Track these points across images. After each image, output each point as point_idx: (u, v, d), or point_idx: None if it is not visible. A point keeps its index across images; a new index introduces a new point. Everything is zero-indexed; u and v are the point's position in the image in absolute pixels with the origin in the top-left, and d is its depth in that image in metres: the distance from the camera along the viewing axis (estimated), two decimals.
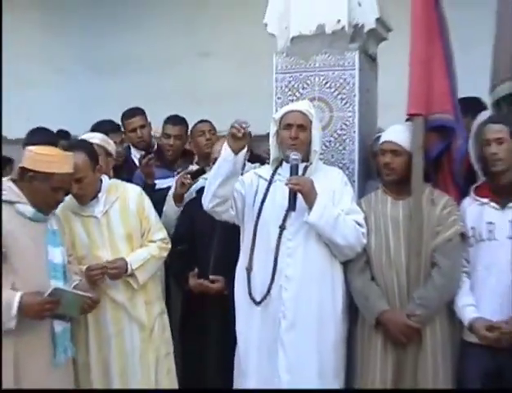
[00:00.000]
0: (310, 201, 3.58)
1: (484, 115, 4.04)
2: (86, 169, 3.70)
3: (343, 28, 4.00)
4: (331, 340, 3.68)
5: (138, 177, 4.58)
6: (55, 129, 5.09)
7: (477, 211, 3.63)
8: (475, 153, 3.68)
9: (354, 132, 3.99)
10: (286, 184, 3.58)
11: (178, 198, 4.37)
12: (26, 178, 3.38)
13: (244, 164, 3.84)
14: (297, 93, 4.07)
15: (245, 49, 6.06)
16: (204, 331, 4.13)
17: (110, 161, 4.19)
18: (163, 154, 4.97)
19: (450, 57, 3.81)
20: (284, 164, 3.77)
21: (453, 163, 3.79)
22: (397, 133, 3.74)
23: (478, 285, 3.59)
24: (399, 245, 3.64)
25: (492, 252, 3.55)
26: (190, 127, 5.01)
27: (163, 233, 3.96)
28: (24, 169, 3.39)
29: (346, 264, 3.73)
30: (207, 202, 3.72)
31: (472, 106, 4.31)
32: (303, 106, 3.78)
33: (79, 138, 4.12)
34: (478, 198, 3.65)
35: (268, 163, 3.91)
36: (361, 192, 3.97)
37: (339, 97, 4.01)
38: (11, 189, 3.39)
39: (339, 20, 4.00)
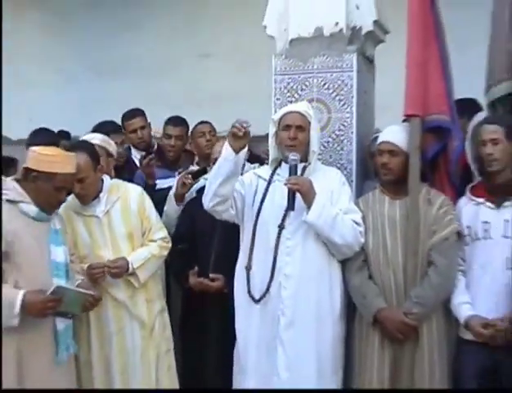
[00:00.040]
0: (309, 201, 3.61)
1: (480, 116, 4.07)
2: (88, 170, 3.73)
3: (341, 30, 4.02)
4: (329, 337, 3.71)
5: (139, 177, 4.60)
6: (56, 130, 5.12)
7: (472, 211, 3.66)
8: (472, 153, 3.71)
9: (352, 132, 4.01)
10: (285, 184, 3.61)
11: (179, 198, 4.40)
12: (30, 178, 3.41)
13: (244, 165, 3.85)
14: (295, 95, 4.09)
15: (245, 51, 6.06)
16: (203, 328, 4.15)
17: (111, 161, 4.22)
18: (164, 154, 4.99)
19: (446, 59, 3.84)
20: (283, 164, 3.80)
21: (449, 163, 3.82)
22: (394, 133, 3.76)
23: (473, 283, 3.62)
24: (396, 244, 3.67)
25: (488, 251, 3.59)
26: (190, 128, 5.03)
27: (163, 232, 3.99)
28: (27, 169, 3.42)
29: (344, 263, 3.76)
30: (207, 201, 3.74)
31: (468, 107, 4.36)
32: (302, 107, 3.81)
33: (80, 139, 4.15)
34: (473, 198, 3.68)
35: (267, 163, 3.94)
36: (359, 192, 4.00)
37: (337, 98, 4.03)
38: (15, 189, 3.42)
39: (337, 23, 4.02)
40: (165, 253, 3.99)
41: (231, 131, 3.61)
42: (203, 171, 4.43)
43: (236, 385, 3.87)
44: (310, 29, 4.06)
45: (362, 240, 3.71)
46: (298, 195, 3.61)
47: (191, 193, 4.41)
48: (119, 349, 3.83)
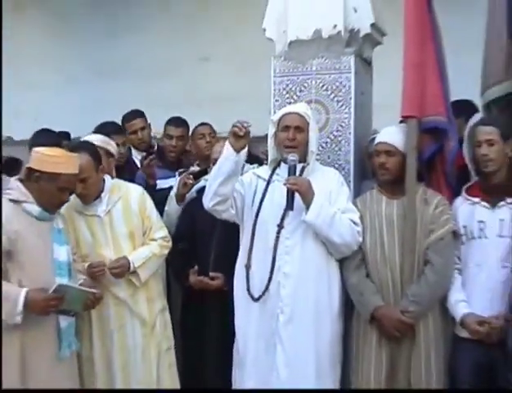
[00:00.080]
0: (307, 201, 3.64)
1: (477, 118, 4.09)
2: (90, 170, 3.76)
3: (339, 33, 4.05)
4: (328, 335, 3.74)
5: (140, 177, 4.62)
6: (56, 131, 5.14)
7: (468, 210, 3.70)
8: (468, 154, 3.74)
9: (350, 133, 4.04)
10: (284, 184, 3.64)
11: (180, 198, 4.42)
12: (33, 178, 3.44)
13: (243, 165, 3.87)
14: (294, 96, 4.12)
15: (244, 53, 6.08)
16: (203, 326, 4.18)
17: (112, 161, 4.24)
18: (164, 155, 5.03)
19: (442, 61, 3.87)
20: (282, 164, 3.82)
21: (445, 164, 3.85)
22: (390, 134, 3.80)
23: (469, 281, 3.65)
24: (393, 243, 3.70)
25: (483, 250, 3.62)
26: (190, 129, 5.06)
27: (164, 232, 4.01)
28: (31, 170, 3.45)
29: (342, 262, 3.78)
30: (208, 201, 3.77)
31: (464, 108, 4.40)
32: (301, 108, 3.84)
33: (81, 140, 4.17)
34: (469, 198, 3.72)
35: (266, 163, 3.96)
36: (357, 192, 4.03)
37: (335, 99, 4.06)
38: (18, 188, 3.46)
39: (335, 26, 4.05)
40: (166, 252, 4.02)
41: (232, 130, 3.64)
42: (204, 172, 4.45)
43: (235, 381, 3.90)
44: (309, 31, 4.09)
45: (360, 239, 3.74)
46: (297, 195, 3.64)
47: (192, 193, 4.43)
48: (120, 346, 3.86)
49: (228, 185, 3.71)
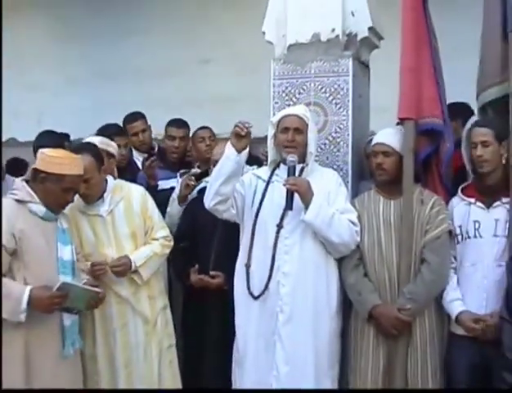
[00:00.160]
0: (306, 201, 3.67)
1: (474, 120, 4.10)
2: (92, 170, 3.80)
3: (337, 36, 4.08)
4: (326, 332, 3.77)
5: (142, 178, 4.66)
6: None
7: (464, 210, 3.73)
8: (466, 155, 3.77)
9: (348, 135, 4.07)
10: (284, 185, 3.67)
11: (182, 199, 4.46)
12: (38, 179, 3.48)
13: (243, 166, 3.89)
14: (293, 98, 4.14)
15: (244, 56, 6.09)
16: (204, 325, 4.21)
17: (113, 162, 4.26)
18: (165, 156, 5.06)
19: (438, 65, 3.91)
20: (281, 165, 3.86)
21: (441, 165, 3.89)
22: (387, 135, 3.83)
23: (464, 280, 3.69)
24: (390, 242, 3.74)
25: (478, 249, 3.65)
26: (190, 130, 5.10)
27: (165, 231, 4.04)
28: (36, 171, 3.49)
29: (340, 261, 3.81)
30: (209, 200, 3.79)
31: (460, 110, 4.42)
32: (300, 110, 3.87)
33: (83, 141, 4.19)
34: (465, 198, 3.75)
35: (266, 164, 4.00)
36: (355, 192, 4.05)
37: (334, 101, 4.09)
38: (24, 189, 3.50)
39: (333, 29, 4.08)
40: (167, 251, 4.05)
41: (234, 131, 3.67)
42: (205, 173, 4.47)
43: (235, 380, 3.92)
44: (307, 35, 4.12)
45: (358, 238, 3.77)
46: (296, 195, 3.67)
47: (193, 193, 4.46)
48: (122, 344, 3.89)
49: (229, 185, 3.74)
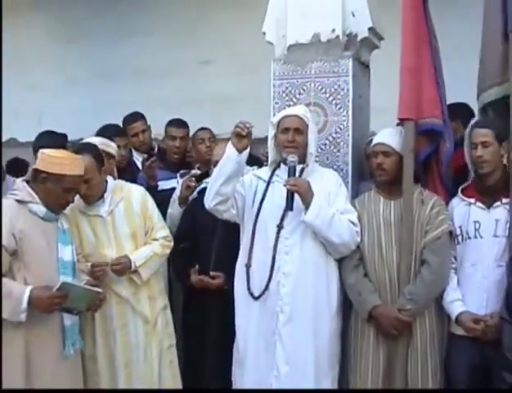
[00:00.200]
0: (307, 202, 3.67)
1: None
2: (93, 171, 3.80)
3: (337, 37, 4.09)
4: (326, 333, 3.78)
5: (142, 179, 4.67)
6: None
7: (464, 211, 3.74)
8: (468, 155, 3.77)
9: (348, 135, 4.08)
10: (284, 185, 3.68)
11: (183, 200, 4.47)
12: (39, 180, 3.49)
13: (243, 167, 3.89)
14: (294, 99, 4.15)
15: (244, 57, 6.10)
16: (204, 325, 4.22)
17: (112, 163, 4.27)
18: (165, 156, 5.07)
19: (438, 65, 3.91)
20: (281, 165, 3.86)
21: (441, 165, 3.90)
22: (387, 135, 3.84)
23: (464, 281, 3.69)
24: (391, 243, 3.74)
25: (478, 250, 3.66)
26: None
27: (165, 231, 4.05)
28: (37, 171, 3.50)
29: (340, 262, 3.82)
30: (209, 200, 3.79)
31: (460, 111, 4.43)
32: (300, 110, 3.88)
33: (83, 142, 4.19)
34: (465, 198, 3.76)
35: (266, 165, 4.01)
36: (355, 193, 4.06)
37: (334, 102, 4.09)
38: (24, 189, 3.50)
39: (333, 30, 4.09)
40: (167, 251, 4.06)
41: (235, 131, 3.68)
42: (205, 174, 4.47)
43: (236, 380, 3.93)
44: (307, 35, 4.13)
45: (358, 239, 3.78)
46: (296, 195, 3.68)
47: (193, 194, 4.47)
48: (122, 344, 3.90)
49: (230, 185, 3.74)
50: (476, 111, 4.19)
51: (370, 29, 4.14)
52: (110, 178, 4.02)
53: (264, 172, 3.96)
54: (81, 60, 6.75)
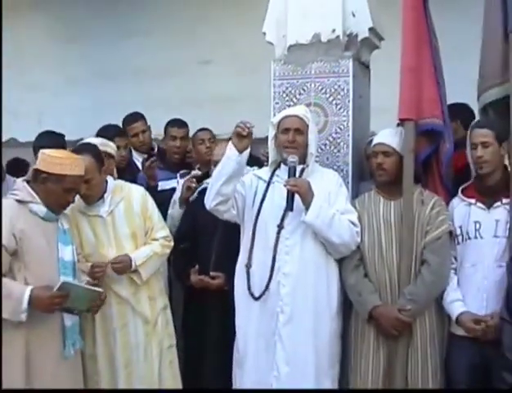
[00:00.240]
0: (307, 202, 3.67)
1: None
2: (93, 171, 3.80)
3: (337, 37, 4.09)
4: (327, 333, 3.78)
5: (142, 179, 4.67)
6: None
7: (464, 211, 3.74)
8: (470, 155, 3.78)
9: (348, 135, 4.08)
10: (284, 185, 3.68)
11: (184, 201, 4.47)
12: (40, 180, 3.49)
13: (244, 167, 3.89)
14: (294, 99, 4.15)
15: (245, 57, 6.10)
16: (204, 325, 4.22)
17: (112, 163, 4.27)
18: (165, 156, 5.08)
19: (438, 65, 3.92)
20: (282, 166, 3.86)
21: (441, 165, 3.90)
22: (387, 135, 3.84)
23: (465, 281, 3.69)
24: (391, 243, 3.74)
25: (479, 250, 3.66)
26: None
27: (165, 231, 4.05)
28: (37, 171, 3.49)
29: (341, 262, 3.82)
30: (210, 200, 3.79)
31: (460, 111, 4.43)
32: (300, 110, 3.88)
33: (83, 142, 4.20)
34: (465, 199, 3.76)
35: (267, 165, 4.01)
36: (355, 193, 4.06)
37: (334, 102, 4.10)
38: (25, 189, 3.50)
39: (333, 30, 4.09)
40: (167, 251, 4.06)
41: (236, 131, 3.68)
42: (206, 175, 4.46)
43: (236, 380, 3.93)
44: (308, 35, 4.13)
45: (358, 239, 3.78)
46: (296, 196, 3.68)
47: (193, 195, 4.46)
48: (122, 344, 3.89)
49: (230, 185, 3.74)
50: (476, 111, 4.21)
51: (371, 30, 4.15)
52: (110, 179, 4.02)
53: (264, 172, 3.96)
54: (81, 60, 6.76)
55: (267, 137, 3.93)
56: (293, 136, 3.79)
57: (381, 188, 3.87)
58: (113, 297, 3.88)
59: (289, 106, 4.11)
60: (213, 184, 3.78)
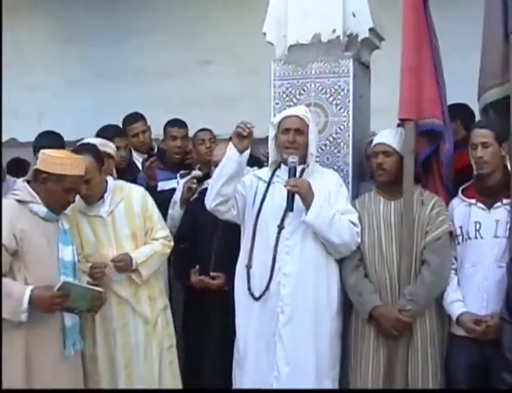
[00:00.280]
0: (307, 202, 3.67)
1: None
2: (93, 171, 3.80)
3: (338, 37, 4.09)
4: (327, 333, 3.78)
5: (142, 179, 4.68)
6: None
7: (465, 211, 3.74)
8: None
9: (348, 136, 4.08)
10: (285, 186, 3.68)
11: (185, 202, 4.48)
12: (40, 180, 3.49)
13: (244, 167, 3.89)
14: (294, 99, 4.15)
15: (245, 57, 6.12)
16: (204, 326, 4.22)
17: (111, 163, 4.26)
18: (165, 156, 5.09)
19: (439, 65, 3.92)
20: (282, 166, 3.86)
21: (441, 166, 3.90)
22: (388, 135, 3.84)
23: (465, 281, 3.69)
24: (391, 243, 3.74)
25: (479, 250, 3.66)
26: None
27: (165, 231, 4.05)
28: (38, 171, 3.50)
29: (341, 262, 3.82)
30: (210, 201, 3.79)
31: (459, 111, 4.43)
32: (300, 111, 3.88)
33: (82, 142, 4.19)
34: (465, 199, 3.76)
35: (267, 165, 4.02)
36: (355, 193, 4.06)
37: (334, 102, 4.09)
38: (25, 189, 3.50)
39: (334, 30, 4.09)
40: (168, 251, 4.06)
41: (236, 131, 3.68)
42: (206, 176, 4.47)
43: (236, 380, 3.93)
44: (308, 35, 4.13)
45: (359, 239, 3.78)
46: (297, 196, 3.68)
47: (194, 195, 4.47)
48: (122, 344, 3.90)
49: (231, 185, 3.75)
50: (476, 112, 4.21)
51: (371, 30, 4.15)
52: (110, 179, 4.02)
53: (265, 172, 3.96)
54: (81, 60, 6.77)
55: (267, 138, 3.93)
56: (293, 136, 3.79)
57: (381, 188, 3.87)
58: (113, 297, 3.88)
59: (289, 106, 4.11)
60: (214, 185, 3.78)
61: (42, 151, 3.54)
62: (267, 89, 4.23)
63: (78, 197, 3.76)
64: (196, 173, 4.66)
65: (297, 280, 3.75)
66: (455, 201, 3.82)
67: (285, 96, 4.18)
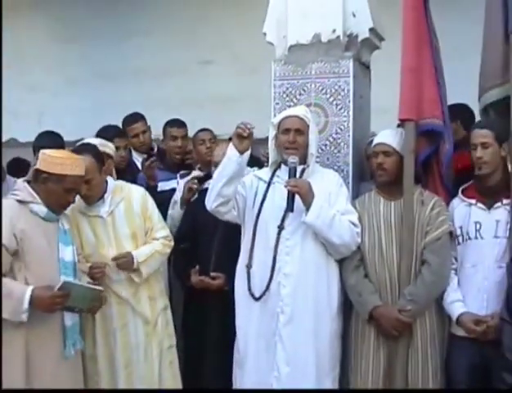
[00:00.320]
0: (307, 202, 3.67)
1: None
2: (93, 171, 3.80)
3: (338, 37, 4.09)
4: (327, 333, 3.78)
5: (142, 179, 4.68)
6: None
7: (465, 211, 3.74)
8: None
9: (348, 136, 4.08)
10: (285, 186, 3.68)
11: (185, 202, 4.48)
12: (40, 180, 3.49)
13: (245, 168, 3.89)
14: (294, 99, 4.15)
15: (245, 57, 6.12)
16: (204, 326, 4.22)
17: (111, 163, 4.26)
18: (165, 157, 5.09)
19: (439, 65, 3.92)
20: (282, 166, 3.86)
21: (441, 166, 3.90)
22: (388, 135, 3.85)
23: (465, 282, 3.69)
24: (391, 243, 3.75)
25: (479, 250, 3.66)
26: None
27: (165, 231, 4.05)
28: (38, 171, 3.50)
29: (341, 262, 3.82)
30: (211, 202, 3.79)
31: (459, 112, 4.42)
32: (301, 111, 3.88)
33: (82, 142, 4.20)
34: (465, 199, 3.76)
35: (267, 165, 4.02)
36: (355, 194, 4.06)
37: (334, 102, 4.10)
38: (25, 189, 3.51)
39: (334, 30, 4.09)
40: (168, 251, 4.06)
41: (236, 132, 3.68)
42: (207, 176, 4.47)
43: (236, 380, 3.93)
44: (308, 35, 4.13)
45: (359, 240, 3.78)
46: (297, 196, 3.68)
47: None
48: (122, 344, 3.90)
49: (231, 186, 3.74)
50: (476, 112, 4.21)
51: (371, 30, 4.15)
52: (110, 179, 4.02)
53: (265, 173, 3.96)
54: (81, 60, 6.78)
55: (267, 138, 3.93)
56: (293, 136, 3.79)
57: (381, 189, 3.87)
58: (113, 297, 3.88)
59: (289, 106, 4.11)
60: (214, 186, 3.78)
61: (42, 151, 3.54)
62: (267, 89, 4.23)
63: (78, 197, 3.76)
64: (197, 173, 4.66)
65: (297, 280, 3.75)
66: (456, 201, 3.82)
67: (285, 96, 4.18)
